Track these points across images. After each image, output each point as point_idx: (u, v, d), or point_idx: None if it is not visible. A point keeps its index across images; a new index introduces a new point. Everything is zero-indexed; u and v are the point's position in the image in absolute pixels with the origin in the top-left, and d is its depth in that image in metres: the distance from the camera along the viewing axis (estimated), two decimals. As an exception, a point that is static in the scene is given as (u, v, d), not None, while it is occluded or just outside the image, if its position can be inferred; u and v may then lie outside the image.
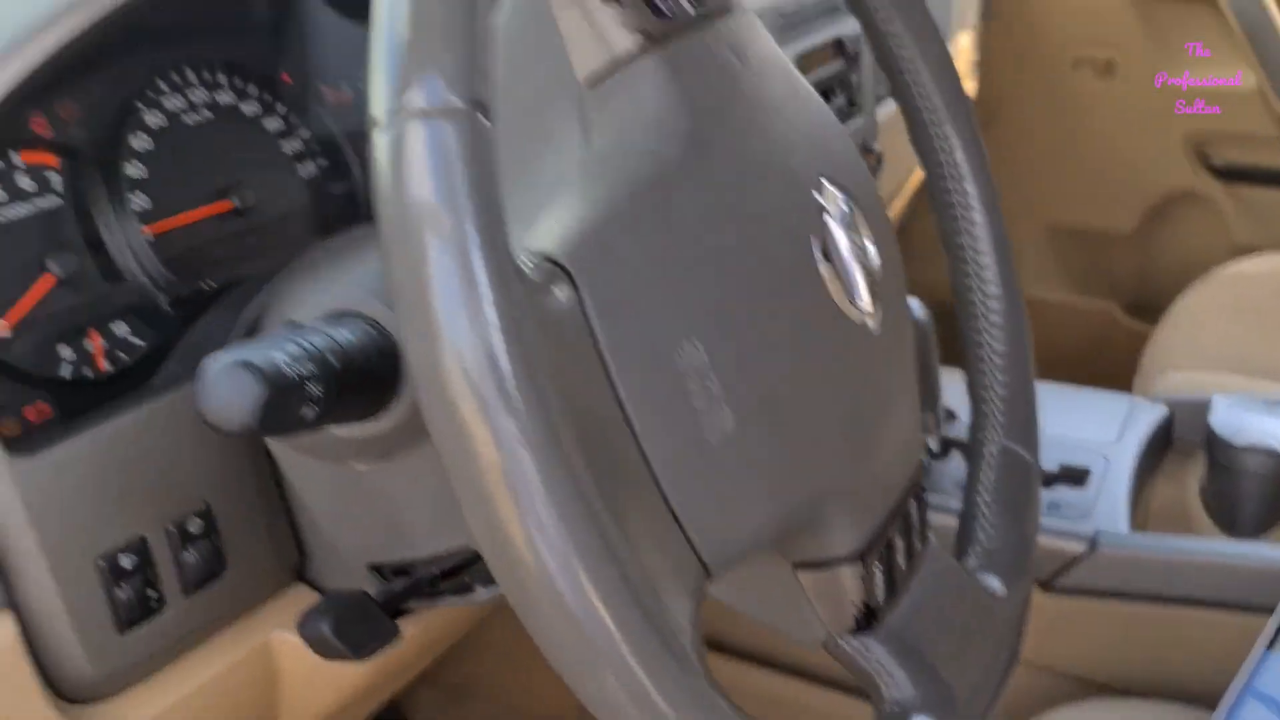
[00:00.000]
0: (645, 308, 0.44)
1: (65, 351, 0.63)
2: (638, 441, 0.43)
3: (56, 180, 0.65)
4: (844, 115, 1.17)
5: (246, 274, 0.71)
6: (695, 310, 0.45)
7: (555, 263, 0.42)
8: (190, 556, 0.61)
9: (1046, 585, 1.03)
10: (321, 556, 0.68)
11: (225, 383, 0.42)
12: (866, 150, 1.21)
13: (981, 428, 0.71)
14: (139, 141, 0.69)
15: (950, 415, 1.19)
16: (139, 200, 0.68)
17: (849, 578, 0.55)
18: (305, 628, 0.59)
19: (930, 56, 0.68)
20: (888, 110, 1.34)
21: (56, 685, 0.57)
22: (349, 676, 0.72)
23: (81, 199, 0.66)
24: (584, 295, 0.42)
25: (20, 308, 0.62)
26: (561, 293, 0.42)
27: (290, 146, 0.78)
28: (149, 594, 0.59)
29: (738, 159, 0.50)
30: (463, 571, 0.61)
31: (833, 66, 1.13)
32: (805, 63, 1.09)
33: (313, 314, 0.53)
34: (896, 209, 1.57)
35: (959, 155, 0.71)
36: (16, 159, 0.63)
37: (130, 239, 0.67)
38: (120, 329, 0.66)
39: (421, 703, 1.35)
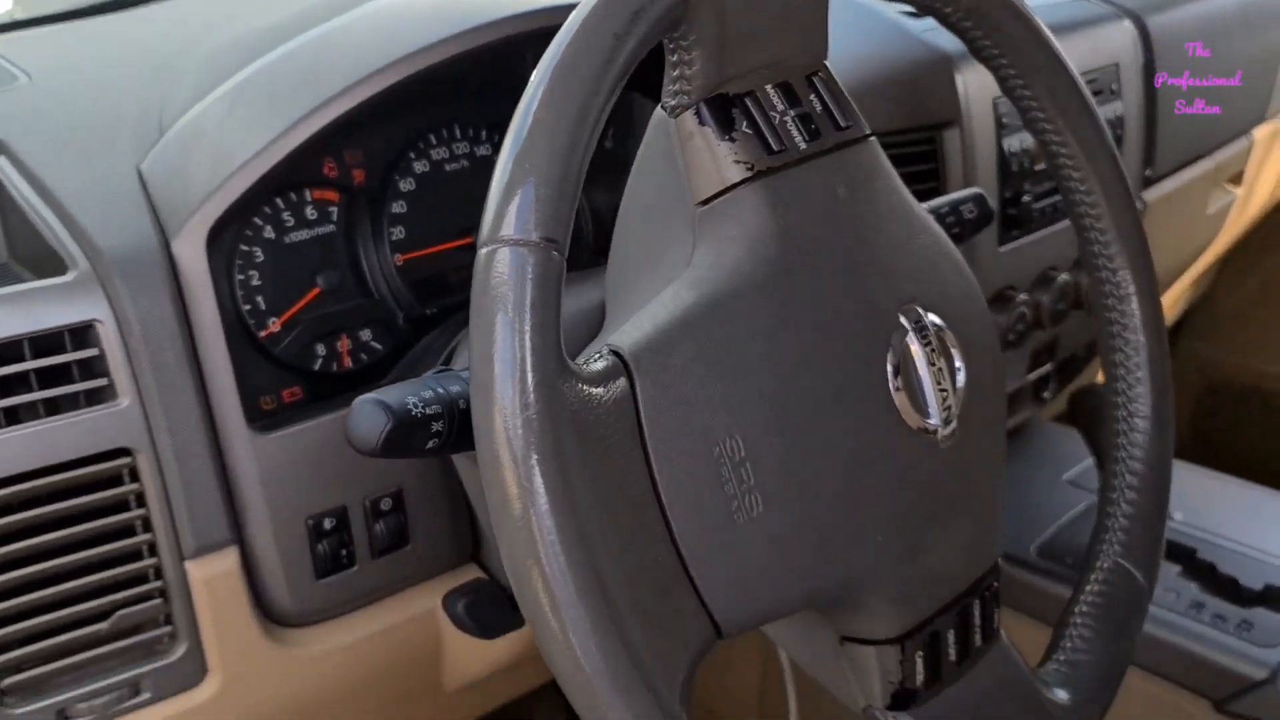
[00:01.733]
0: (691, 404, 0.53)
1: (320, 349, 0.80)
2: (664, 514, 0.52)
3: (335, 212, 0.81)
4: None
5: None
6: (741, 411, 0.54)
7: (621, 359, 0.52)
8: (380, 528, 0.76)
9: (1219, 705, 1.00)
10: (489, 546, 0.81)
11: (362, 415, 0.56)
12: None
13: (1099, 540, 0.74)
14: (405, 184, 0.84)
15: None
16: (396, 232, 0.84)
17: (887, 658, 0.61)
18: (445, 602, 0.72)
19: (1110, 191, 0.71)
20: (1159, 192, 1.31)
21: (264, 608, 0.74)
22: (500, 650, 0.85)
23: (351, 228, 0.82)
24: (637, 387, 0.52)
25: (291, 311, 0.79)
26: (619, 384, 0.52)
27: (533, 193, 0.91)
28: (342, 553, 0.75)
29: (820, 282, 0.57)
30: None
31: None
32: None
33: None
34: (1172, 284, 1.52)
35: (1123, 275, 0.73)
36: (307, 195, 0.80)
37: (383, 264, 0.83)
38: (365, 335, 0.82)
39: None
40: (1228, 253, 1.86)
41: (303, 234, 0.80)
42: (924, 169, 1.01)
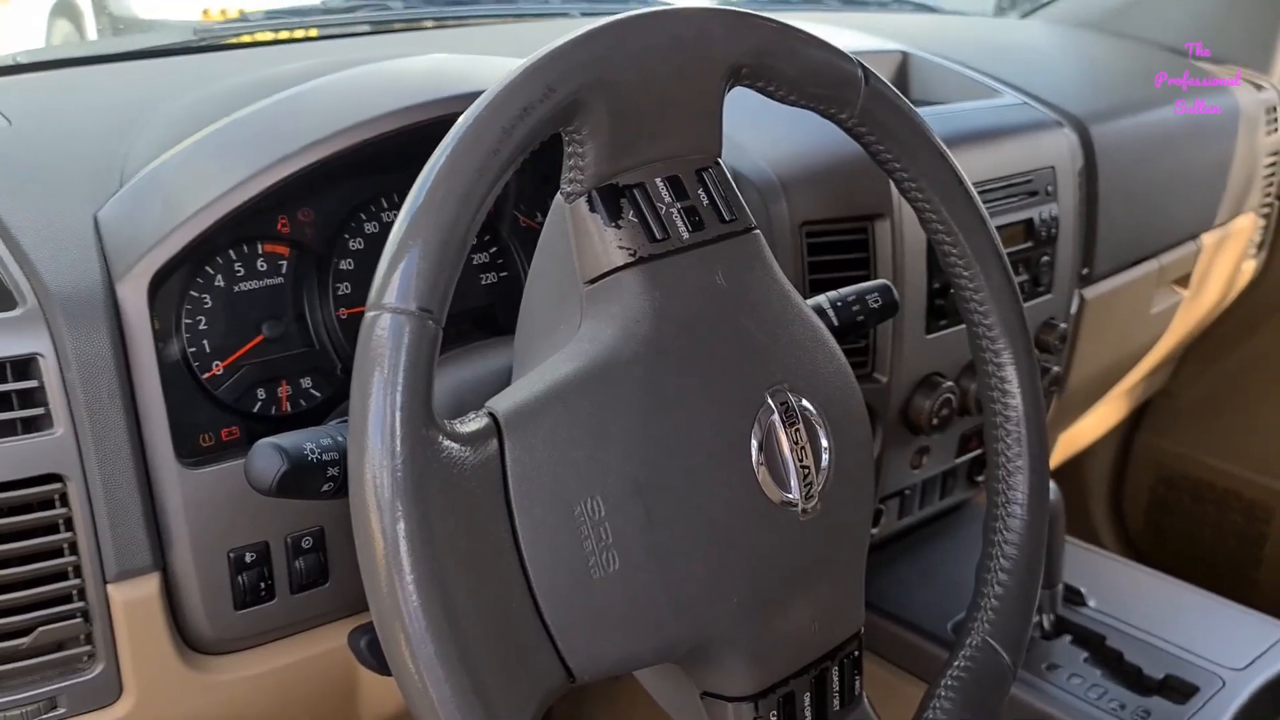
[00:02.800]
0: (556, 465, 0.57)
1: (260, 393, 0.85)
2: (523, 563, 0.56)
3: (284, 266, 0.87)
4: (1029, 294, 1.23)
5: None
6: (603, 475, 0.58)
7: (495, 419, 0.58)
8: (300, 565, 0.81)
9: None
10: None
11: (258, 457, 0.61)
12: (1049, 326, 1.25)
13: (970, 618, 0.78)
14: (354, 244, 0.90)
15: (1076, 595, 1.21)
16: (342, 288, 0.89)
17: (743, 715, 0.65)
18: (350, 638, 0.77)
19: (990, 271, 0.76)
20: (1098, 290, 1.37)
21: (183, 634, 0.79)
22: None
23: (299, 281, 0.87)
24: (505, 447, 0.57)
25: (234, 355, 0.84)
26: (490, 445, 0.57)
27: (479, 258, 0.97)
28: (262, 586, 0.79)
29: (691, 361, 0.62)
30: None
31: (1020, 246, 1.20)
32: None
33: None
34: (1097, 383, 1.57)
35: (1008, 371, 0.78)
36: (259, 249, 0.85)
37: (326, 317, 0.88)
38: (305, 382, 0.87)
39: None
40: (1184, 348, 1.91)
41: (252, 284, 0.85)
42: (856, 257, 1.06)
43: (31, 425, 0.71)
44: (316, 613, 0.83)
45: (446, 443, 0.54)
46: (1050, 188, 1.22)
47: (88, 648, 0.75)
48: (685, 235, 0.64)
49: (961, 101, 1.28)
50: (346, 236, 0.90)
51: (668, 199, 0.64)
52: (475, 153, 0.55)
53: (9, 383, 0.70)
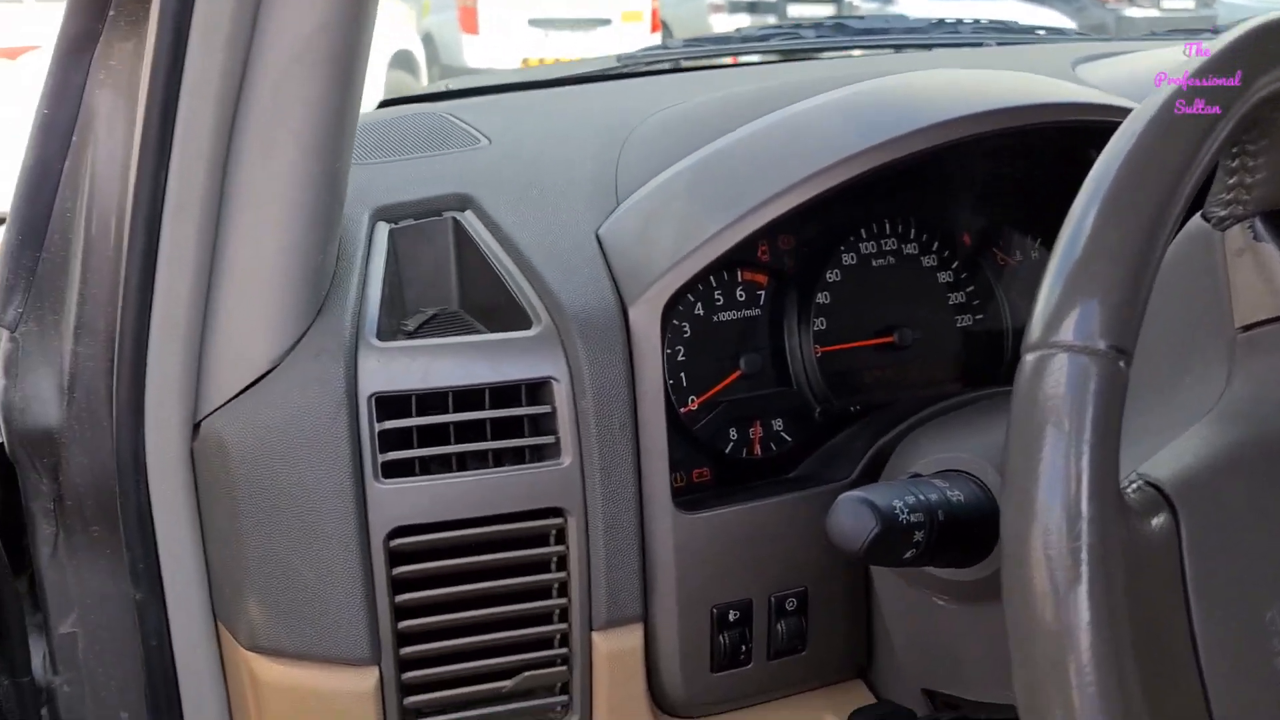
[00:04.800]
0: (1243, 558, 0.46)
1: (732, 433, 0.78)
2: (1202, 677, 0.45)
3: (761, 295, 0.80)
4: None
5: (889, 400, 0.82)
6: None
7: (1162, 493, 0.46)
8: (781, 628, 0.72)
9: None
10: (884, 665, 0.76)
11: (850, 514, 0.52)
12: None
13: None
14: (831, 275, 0.82)
15: None
16: (819, 323, 0.81)
17: None
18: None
19: None
20: None
21: (654, 691, 0.71)
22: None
23: (776, 313, 0.80)
24: (1183, 530, 0.46)
25: (712, 391, 0.77)
26: (1160, 520, 0.46)
27: (955, 298, 0.87)
28: (742, 648, 0.71)
29: None
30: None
31: None
32: None
33: (933, 466, 0.61)
34: None
35: None
36: (739, 276, 0.79)
37: (804, 354, 0.80)
38: (777, 424, 0.79)
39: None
40: None
41: (730, 314, 0.79)
42: None
43: (537, 454, 0.66)
44: (789, 682, 0.75)
45: (1129, 518, 0.44)
46: None
47: (563, 698, 0.69)
48: None
49: None
50: (825, 268, 0.82)
51: None
52: (1173, 145, 0.44)
53: (523, 406, 0.65)
